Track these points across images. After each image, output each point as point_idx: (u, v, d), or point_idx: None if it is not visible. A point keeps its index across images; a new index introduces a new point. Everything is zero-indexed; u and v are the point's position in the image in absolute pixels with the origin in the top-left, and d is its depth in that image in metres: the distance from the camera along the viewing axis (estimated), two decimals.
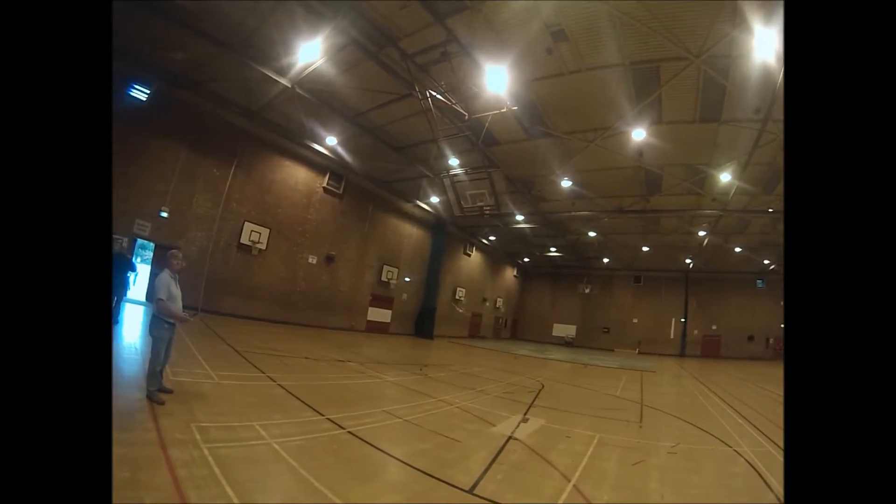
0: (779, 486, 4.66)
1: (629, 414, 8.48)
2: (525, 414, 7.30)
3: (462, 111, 12.61)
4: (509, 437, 5.64)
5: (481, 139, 15.56)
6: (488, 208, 16.77)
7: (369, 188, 22.09)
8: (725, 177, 16.88)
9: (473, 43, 10.86)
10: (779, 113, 12.53)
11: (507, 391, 9.67)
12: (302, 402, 5.99)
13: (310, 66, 12.33)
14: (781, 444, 6.57)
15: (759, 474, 5.17)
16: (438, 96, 12.22)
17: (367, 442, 4.69)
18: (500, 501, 3.55)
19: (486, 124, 14.03)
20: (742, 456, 5.99)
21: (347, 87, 13.60)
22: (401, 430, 5.57)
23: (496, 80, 11.27)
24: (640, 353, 33.58)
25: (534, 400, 8.82)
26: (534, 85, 12.62)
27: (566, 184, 19.12)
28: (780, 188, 18.31)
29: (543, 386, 11.12)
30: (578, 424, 6.99)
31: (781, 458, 5.90)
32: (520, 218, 24.45)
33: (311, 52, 11.55)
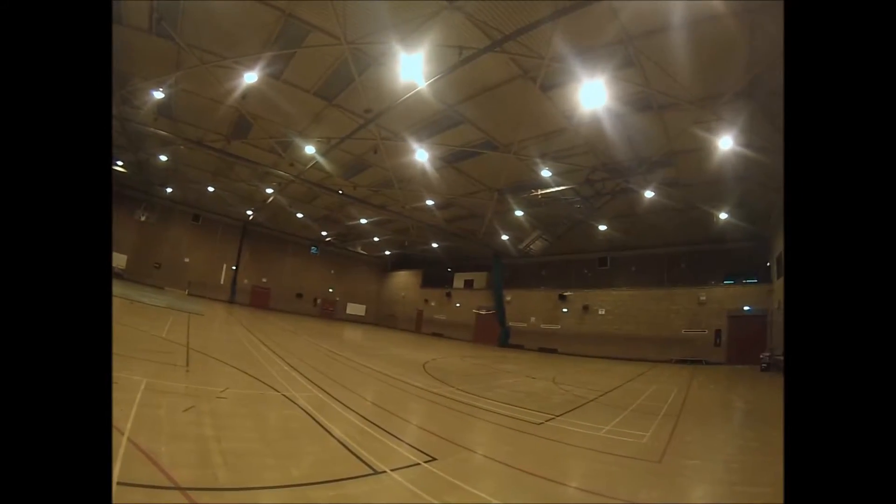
0: (333, 426, 5.35)
1: (175, 357, 8.45)
2: None
3: None
4: None
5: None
6: None
7: None
8: (310, 149, 18.67)
9: None
10: (385, 122, 14.99)
11: None
12: None
13: None
14: (329, 391, 7.58)
15: (313, 417, 5.74)
16: None
17: None
18: None
19: None
20: (294, 401, 6.50)
21: None
22: None
23: None
24: (189, 294, 32.71)
25: None
26: None
27: (158, 95, 16.73)
28: (362, 178, 21.73)
29: None
30: (122, 368, 6.42)
31: (331, 402, 6.74)
32: None
33: None
